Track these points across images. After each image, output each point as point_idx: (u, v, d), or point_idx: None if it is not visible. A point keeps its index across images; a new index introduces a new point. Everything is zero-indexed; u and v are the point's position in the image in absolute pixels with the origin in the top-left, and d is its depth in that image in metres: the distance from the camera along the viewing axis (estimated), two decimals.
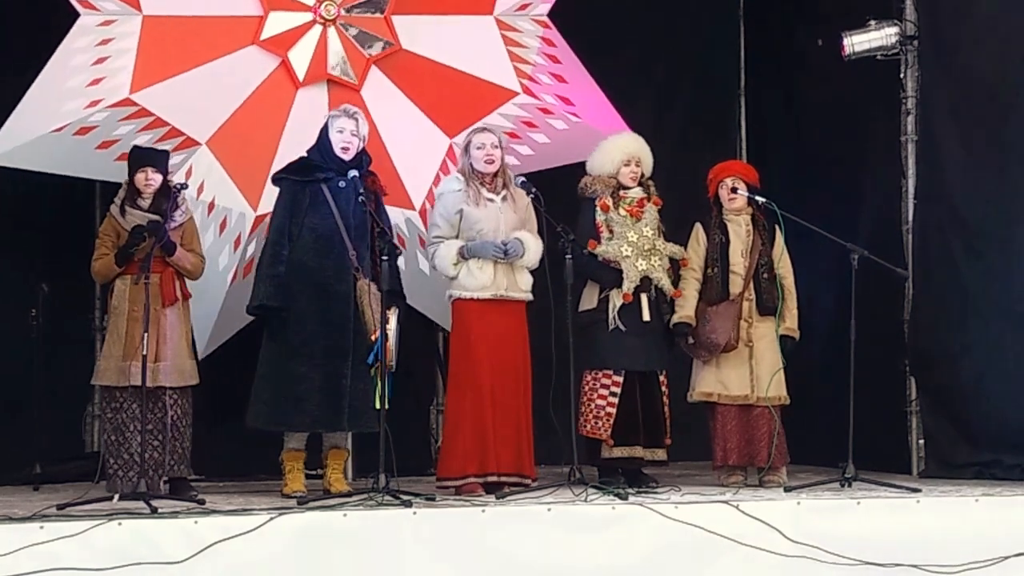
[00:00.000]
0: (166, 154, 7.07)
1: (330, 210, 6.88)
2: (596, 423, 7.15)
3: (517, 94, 7.92)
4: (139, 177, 6.91)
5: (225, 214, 7.45)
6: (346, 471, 7.19)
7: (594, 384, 7.19)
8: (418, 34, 7.88)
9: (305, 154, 7.04)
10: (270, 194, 7.27)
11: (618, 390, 7.15)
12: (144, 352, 6.50)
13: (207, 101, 7.50)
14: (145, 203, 6.91)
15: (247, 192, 7.52)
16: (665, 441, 7.26)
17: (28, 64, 7.39)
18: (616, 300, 7.15)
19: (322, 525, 6.00)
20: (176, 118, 7.42)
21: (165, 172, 6.96)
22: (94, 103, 7.30)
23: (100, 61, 7.38)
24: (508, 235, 6.97)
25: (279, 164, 7.32)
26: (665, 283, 7.23)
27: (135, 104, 7.35)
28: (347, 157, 6.95)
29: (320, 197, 6.90)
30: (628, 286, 7.14)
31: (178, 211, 6.97)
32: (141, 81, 7.40)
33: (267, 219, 7.22)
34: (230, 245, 7.48)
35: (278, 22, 7.70)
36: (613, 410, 7.14)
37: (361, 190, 6.84)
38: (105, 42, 7.40)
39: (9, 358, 7.69)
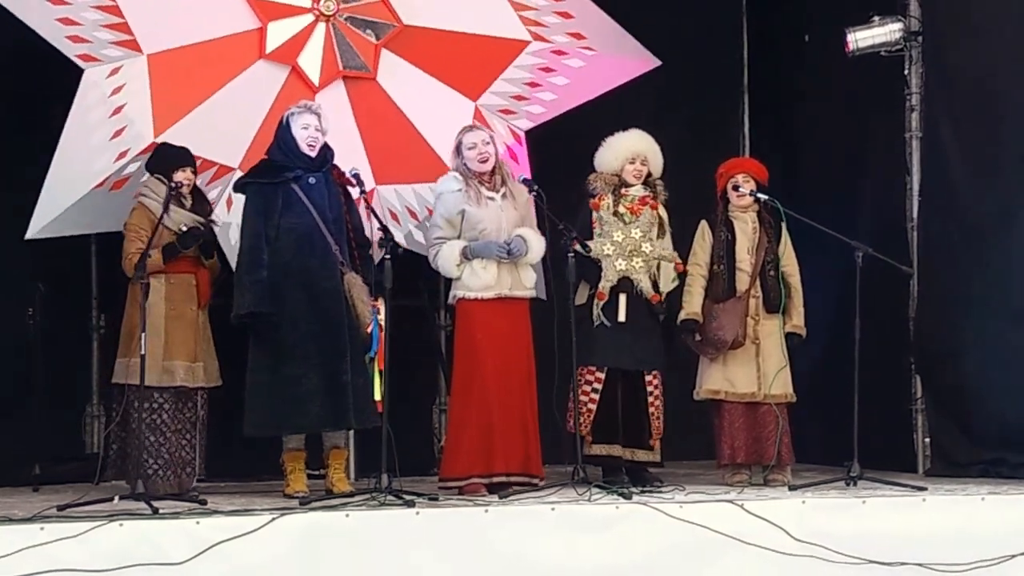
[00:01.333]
0: (191, 153, 7.05)
1: (306, 208, 6.80)
2: (578, 419, 7.10)
3: (529, 43, 7.92)
4: (180, 176, 6.90)
5: (126, 124, 7.27)
6: (348, 471, 7.15)
7: (579, 380, 7.14)
8: (417, 7, 7.81)
9: (266, 156, 6.97)
10: (176, 133, 7.19)
11: (600, 386, 7.13)
12: (143, 352, 6.46)
13: (231, 125, 7.41)
14: (187, 203, 6.93)
15: (158, 117, 7.35)
16: (651, 443, 7.21)
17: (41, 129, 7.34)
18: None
19: (324, 525, 5.96)
20: (205, 149, 7.26)
21: (196, 171, 7.00)
22: (122, 154, 7.23)
23: (117, 111, 7.28)
24: (510, 232, 6.94)
25: (208, 108, 7.28)
26: (645, 285, 7.18)
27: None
28: (313, 154, 6.88)
29: (293, 197, 6.82)
30: (604, 285, 7.12)
31: (214, 214, 7.04)
32: (162, 122, 7.31)
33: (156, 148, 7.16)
34: (115, 154, 7.29)
35: (279, 31, 7.62)
36: (594, 406, 7.11)
37: (363, 190, 6.81)
38: (117, 90, 7.30)
39: (7, 358, 7.65)
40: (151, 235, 6.70)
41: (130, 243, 6.86)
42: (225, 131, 7.38)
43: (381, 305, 6.68)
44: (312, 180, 6.84)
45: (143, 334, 6.44)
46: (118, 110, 7.30)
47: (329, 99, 7.55)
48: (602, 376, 7.13)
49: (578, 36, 8.07)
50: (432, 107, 7.83)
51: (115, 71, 7.34)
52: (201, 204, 7.04)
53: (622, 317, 7.14)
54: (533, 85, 8.02)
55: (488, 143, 7.02)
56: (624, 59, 8.18)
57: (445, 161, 7.39)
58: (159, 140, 7.22)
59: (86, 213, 7.21)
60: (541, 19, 8.02)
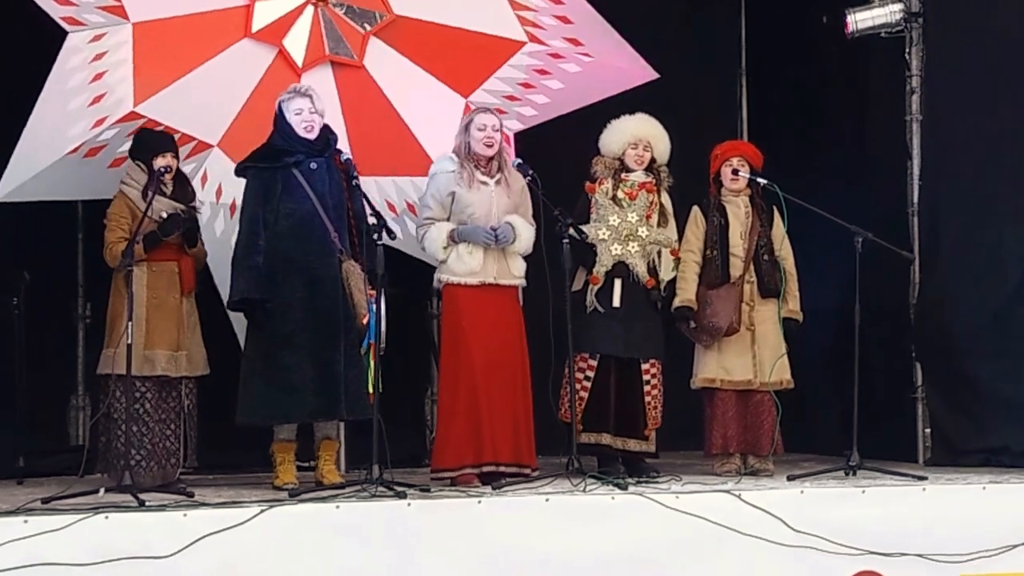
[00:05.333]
0: (173, 138, 6.97)
1: (305, 193, 6.74)
2: (573, 407, 7.00)
3: (524, 44, 7.81)
4: (161, 162, 6.80)
5: (105, 91, 7.12)
6: (339, 462, 7.07)
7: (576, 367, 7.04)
8: None
9: (267, 141, 6.88)
10: (157, 103, 7.12)
11: (592, 374, 7.04)
12: (129, 341, 6.39)
13: (212, 102, 7.35)
14: (168, 189, 6.83)
15: (139, 86, 7.20)
16: (645, 432, 7.12)
17: (22, 95, 7.18)
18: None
19: (314, 517, 5.91)
20: (185, 124, 7.25)
21: (178, 156, 6.90)
22: (100, 121, 7.12)
23: (98, 77, 7.18)
24: (500, 219, 6.86)
25: (190, 82, 7.20)
26: (640, 270, 7.10)
27: (141, 116, 7.18)
28: (311, 136, 6.82)
29: (293, 181, 6.75)
30: (598, 269, 7.04)
31: (196, 200, 6.93)
32: (143, 91, 7.22)
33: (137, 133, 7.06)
34: (92, 121, 7.13)
35: (266, 11, 7.53)
36: (585, 394, 7.03)
37: (355, 174, 6.72)
38: (99, 57, 7.21)
39: None
40: (137, 224, 6.61)
41: (111, 232, 6.79)
42: (206, 107, 7.30)
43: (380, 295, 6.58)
44: (313, 165, 6.77)
45: (130, 323, 6.36)
46: (98, 76, 7.19)
47: (315, 83, 7.40)
48: (594, 363, 7.05)
49: (575, 42, 7.93)
50: (422, 100, 7.74)
51: (98, 37, 7.24)
52: (183, 190, 6.93)
53: (616, 302, 7.05)
54: (527, 86, 7.89)
55: (498, 130, 6.94)
56: (621, 68, 8.02)
57: (431, 155, 7.30)
58: (139, 109, 7.15)
59: (59, 179, 7.08)
60: (539, 20, 7.90)
